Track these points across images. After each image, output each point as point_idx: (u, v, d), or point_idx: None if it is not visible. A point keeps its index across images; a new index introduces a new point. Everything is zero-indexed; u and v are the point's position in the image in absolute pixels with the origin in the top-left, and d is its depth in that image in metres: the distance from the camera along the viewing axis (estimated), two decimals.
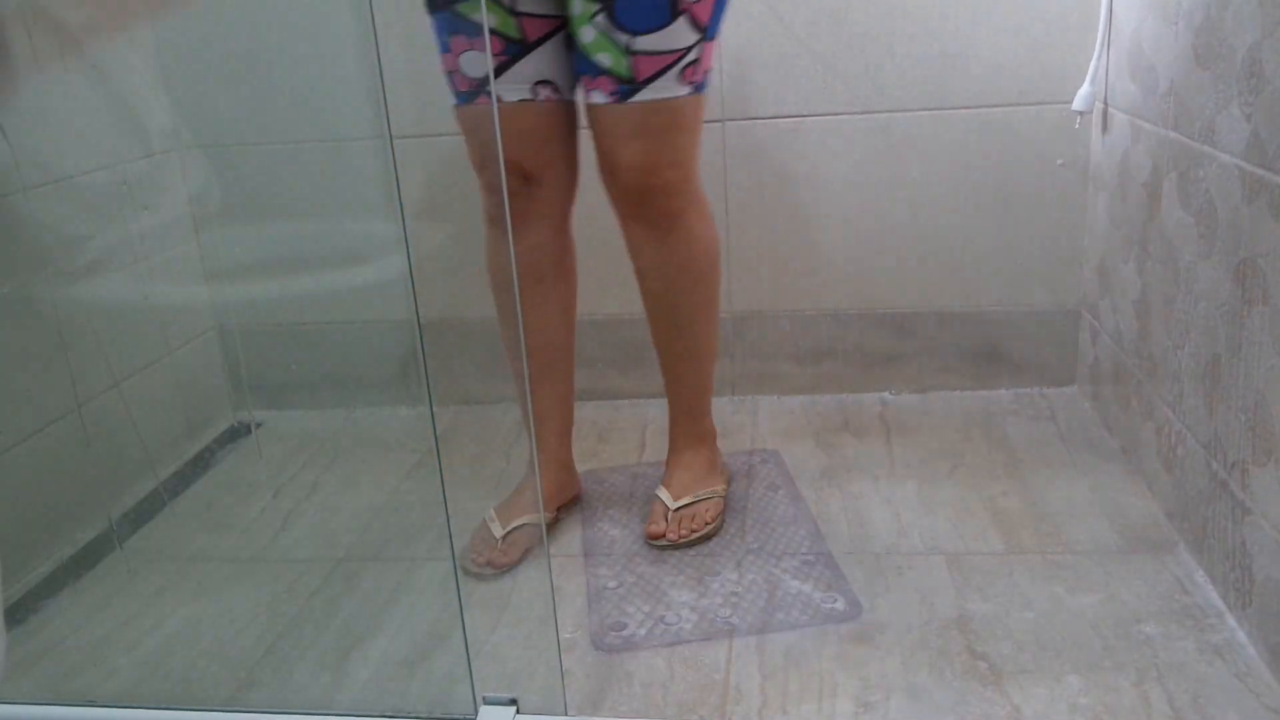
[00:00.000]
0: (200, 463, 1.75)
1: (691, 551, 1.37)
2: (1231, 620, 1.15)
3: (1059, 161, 1.68)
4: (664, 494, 1.43)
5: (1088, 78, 1.59)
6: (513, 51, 1.26)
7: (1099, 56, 1.58)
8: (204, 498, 1.64)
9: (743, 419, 1.77)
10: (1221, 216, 1.16)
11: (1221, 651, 1.11)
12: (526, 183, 1.33)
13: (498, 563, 1.33)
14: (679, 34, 1.20)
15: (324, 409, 1.92)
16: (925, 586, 1.26)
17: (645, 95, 1.21)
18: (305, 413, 1.91)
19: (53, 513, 1.48)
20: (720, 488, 1.46)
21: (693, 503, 1.41)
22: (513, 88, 1.28)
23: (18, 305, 1.43)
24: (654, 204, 1.29)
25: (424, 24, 1.30)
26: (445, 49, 1.28)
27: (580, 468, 1.54)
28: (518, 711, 1.03)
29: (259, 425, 1.88)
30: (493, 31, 1.26)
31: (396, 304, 1.80)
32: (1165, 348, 1.34)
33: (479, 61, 1.27)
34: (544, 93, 1.29)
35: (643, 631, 1.20)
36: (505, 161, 1.31)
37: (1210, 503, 1.21)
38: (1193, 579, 1.23)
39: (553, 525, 1.45)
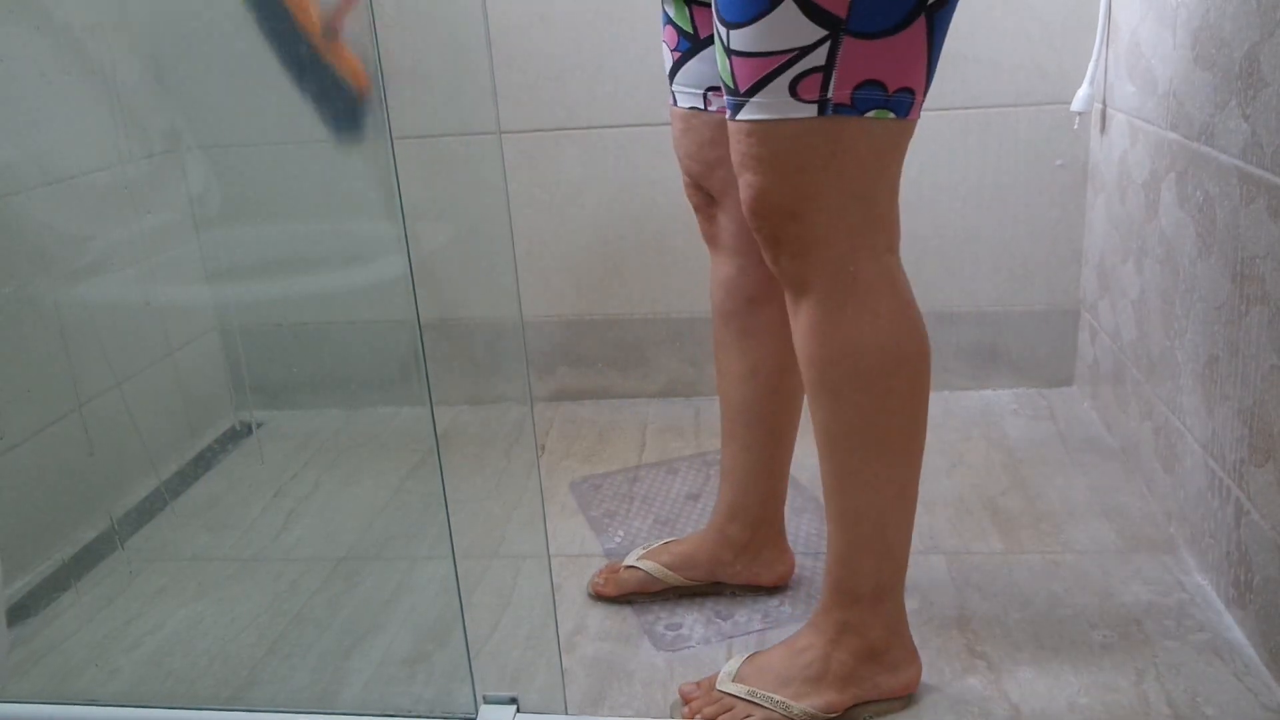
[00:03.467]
0: (201, 462, 1.75)
1: None
2: (1230, 620, 1.15)
3: (1058, 162, 1.68)
4: (733, 663, 1.07)
5: (1086, 78, 1.59)
6: (684, 47, 1.07)
7: (1098, 57, 1.59)
8: (205, 497, 1.65)
9: None
10: (1220, 217, 1.16)
11: (1220, 651, 1.11)
12: (709, 204, 1.13)
13: (597, 589, 1.28)
14: (784, 27, 0.84)
15: (325, 409, 1.92)
16: (925, 586, 1.26)
17: (749, 113, 0.89)
18: (306, 413, 1.91)
19: (54, 512, 1.48)
20: (804, 710, 1.02)
21: (746, 700, 1.03)
22: (686, 91, 1.09)
23: (19, 306, 1.44)
24: (778, 265, 0.94)
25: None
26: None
27: (580, 468, 1.54)
28: (518, 711, 1.03)
29: (260, 425, 1.88)
30: (670, 22, 1.07)
31: (397, 304, 1.80)
32: (1164, 348, 1.35)
33: (666, 56, 1.09)
34: (716, 101, 1.07)
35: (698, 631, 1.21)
36: (684, 175, 1.14)
37: (1209, 502, 1.21)
38: (1191, 579, 1.24)
39: (689, 594, 1.27)
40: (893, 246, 0.94)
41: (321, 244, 1.81)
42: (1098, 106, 1.62)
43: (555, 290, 1.83)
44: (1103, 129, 1.60)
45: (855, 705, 1.03)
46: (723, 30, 0.88)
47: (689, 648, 1.17)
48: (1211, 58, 1.18)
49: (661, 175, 1.74)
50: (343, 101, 1.58)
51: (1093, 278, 1.67)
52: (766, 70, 0.86)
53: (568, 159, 1.75)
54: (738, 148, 0.91)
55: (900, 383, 0.95)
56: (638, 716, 1.08)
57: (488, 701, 1.04)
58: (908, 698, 1.05)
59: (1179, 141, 1.28)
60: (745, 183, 0.92)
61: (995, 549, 1.33)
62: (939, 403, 1.77)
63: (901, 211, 0.94)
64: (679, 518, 1.46)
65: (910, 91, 0.88)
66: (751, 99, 0.88)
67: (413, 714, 1.07)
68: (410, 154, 1.77)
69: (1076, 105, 1.60)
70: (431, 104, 1.75)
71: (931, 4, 0.85)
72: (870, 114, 0.86)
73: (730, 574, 1.25)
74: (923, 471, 1.53)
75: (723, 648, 1.17)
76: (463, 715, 1.03)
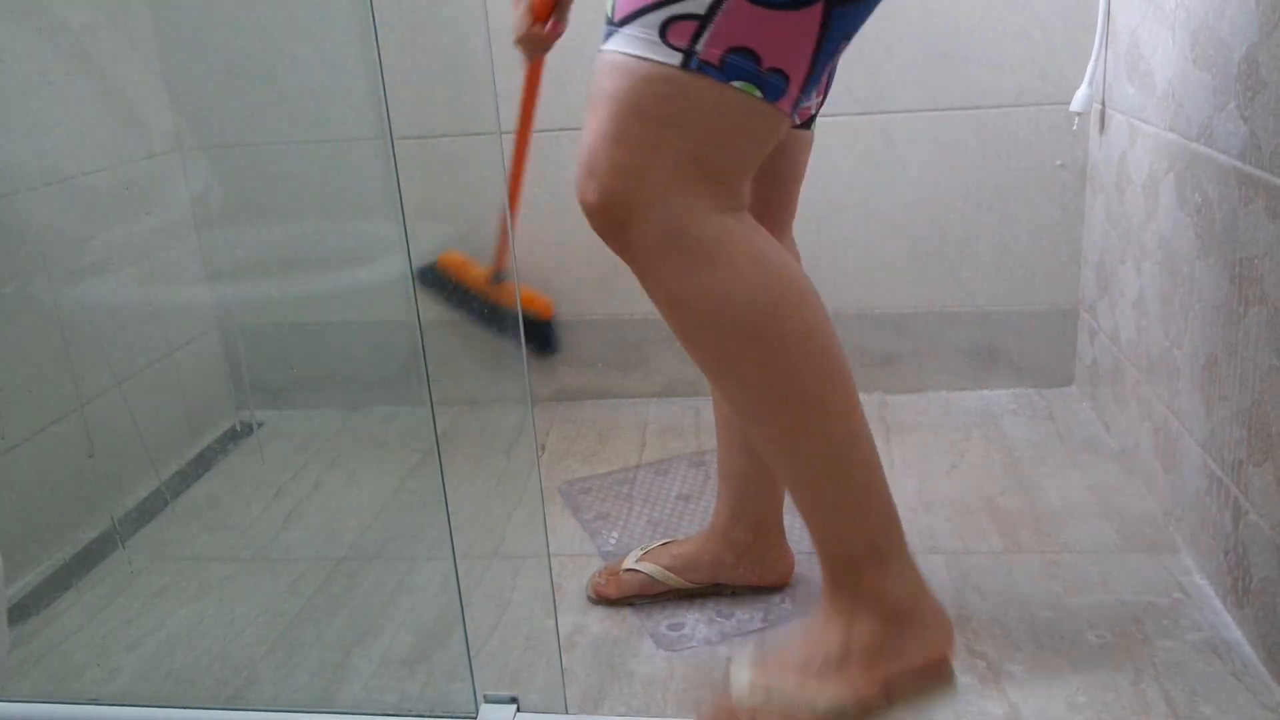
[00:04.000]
0: (202, 462, 1.75)
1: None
2: (1229, 619, 1.16)
3: (1057, 162, 1.69)
4: (743, 665, 0.92)
5: (1086, 79, 1.59)
6: None
7: (1097, 58, 1.59)
8: (206, 497, 1.65)
9: None
10: (1219, 217, 1.16)
11: (1219, 651, 1.11)
12: None
13: (598, 589, 1.27)
14: None
15: (325, 409, 1.92)
16: None
17: (615, 43, 0.81)
18: (306, 412, 1.91)
19: (55, 512, 1.48)
20: (831, 699, 0.88)
21: (763, 703, 0.90)
22: None
23: (19, 305, 1.44)
24: (621, 233, 0.84)
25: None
26: None
27: (580, 468, 1.54)
28: (518, 710, 1.03)
29: (260, 425, 1.88)
30: None
31: (397, 304, 1.80)
32: (1163, 348, 1.35)
33: None
34: None
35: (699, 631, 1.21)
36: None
37: (1208, 503, 1.21)
38: (1190, 578, 1.24)
39: (694, 596, 1.26)
40: (736, 205, 0.85)
41: (321, 244, 1.81)
42: (1097, 107, 1.62)
43: (555, 290, 1.83)
44: (1102, 129, 1.61)
45: (888, 687, 0.88)
46: None
47: (690, 647, 1.18)
48: (1210, 58, 1.18)
49: None
50: (535, 327, 1.76)
51: (1092, 278, 1.68)
52: (647, 2, 0.79)
53: (568, 159, 1.75)
54: (595, 84, 0.83)
55: (788, 320, 0.84)
56: (638, 716, 1.08)
57: (488, 701, 1.04)
58: (945, 670, 0.90)
59: (1178, 142, 1.28)
60: (588, 128, 0.83)
61: (994, 549, 1.33)
62: (939, 403, 1.78)
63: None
64: (673, 519, 1.46)
65: (783, 75, 0.80)
66: (624, 29, 0.80)
67: (413, 714, 1.07)
68: (410, 154, 1.78)
69: (1076, 106, 1.60)
70: (432, 104, 1.75)
71: None
72: (736, 83, 0.79)
73: (733, 576, 1.24)
74: (923, 471, 1.54)
75: (724, 646, 1.17)
76: (463, 715, 1.04)
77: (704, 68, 0.78)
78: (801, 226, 1.77)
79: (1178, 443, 1.31)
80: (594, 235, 0.84)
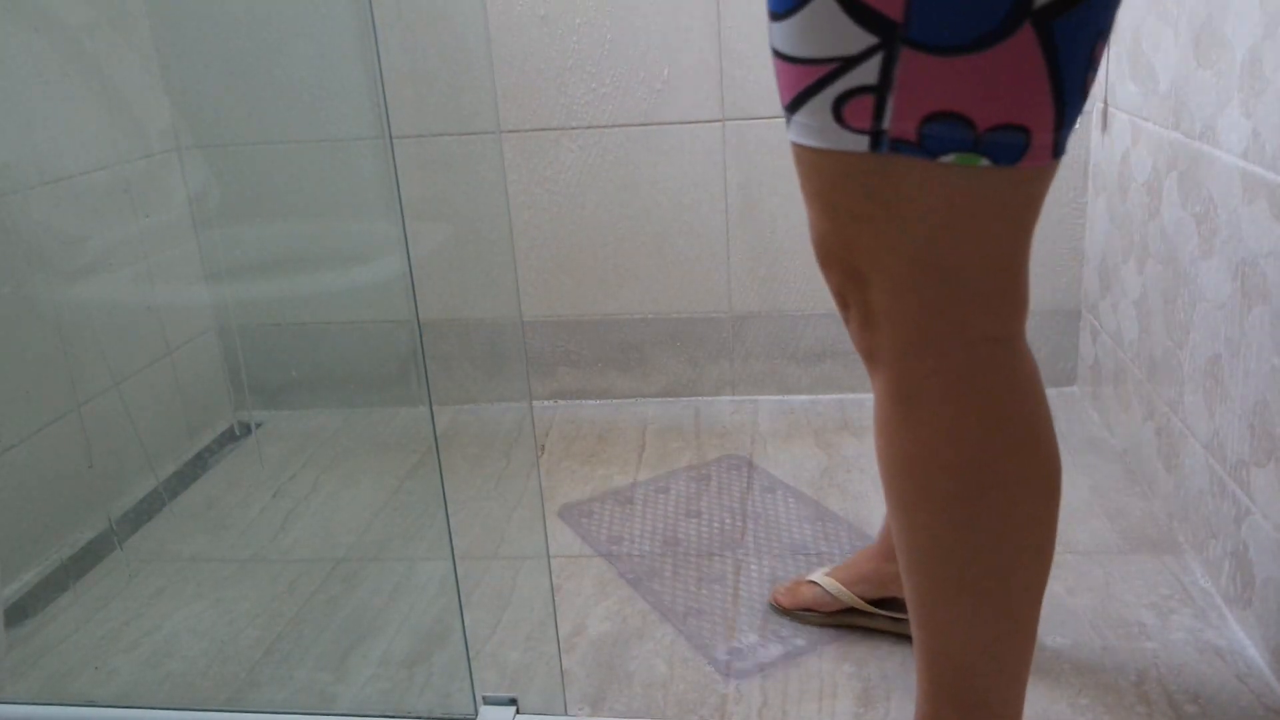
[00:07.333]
0: (200, 463, 1.75)
1: (691, 554, 1.37)
2: (1232, 620, 1.15)
3: None
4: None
5: None
6: None
7: None
8: (204, 498, 1.64)
9: (742, 419, 1.76)
10: (1222, 216, 1.16)
11: (1222, 652, 1.11)
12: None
13: (775, 596, 1.24)
14: (822, 25, 0.63)
15: (324, 409, 1.91)
16: None
17: (794, 133, 0.69)
18: (305, 413, 1.91)
19: (53, 513, 1.48)
20: None
21: None
22: None
23: (17, 306, 1.43)
24: (849, 328, 0.75)
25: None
26: None
27: (580, 468, 1.53)
28: (518, 712, 1.03)
29: (259, 425, 1.88)
30: None
31: (396, 304, 1.80)
32: (1166, 348, 1.34)
33: None
34: None
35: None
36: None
37: (1211, 503, 1.21)
38: (1193, 579, 1.23)
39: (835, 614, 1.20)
40: (997, 333, 0.69)
41: (320, 244, 1.80)
42: (1099, 105, 1.62)
43: (555, 290, 1.82)
44: (1104, 128, 1.60)
45: None
46: (770, 25, 0.69)
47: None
48: (1213, 56, 1.17)
49: (661, 175, 1.74)
50: None
51: (1094, 277, 1.67)
52: (808, 82, 0.65)
53: (568, 159, 1.75)
54: (798, 171, 0.72)
55: (990, 509, 0.71)
56: (638, 717, 1.07)
57: (487, 702, 1.03)
58: None
59: (1181, 141, 1.28)
60: (809, 220, 0.73)
61: None
62: None
63: None
64: (690, 538, 1.46)
65: (1019, 130, 0.63)
66: (795, 116, 0.68)
67: (412, 715, 1.07)
68: (410, 154, 1.77)
69: None
70: (431, 104, 1.75)
71: (1041, 8, 0.60)
72: (948, 157, 0.63)
73: (901, 588, 1.09)
74: None
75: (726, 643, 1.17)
76: (462, 716, 1.03)
77: (899, 147, 0.63)
78: (802, 226, 1.77)
79: (1180, 443, 1.30)
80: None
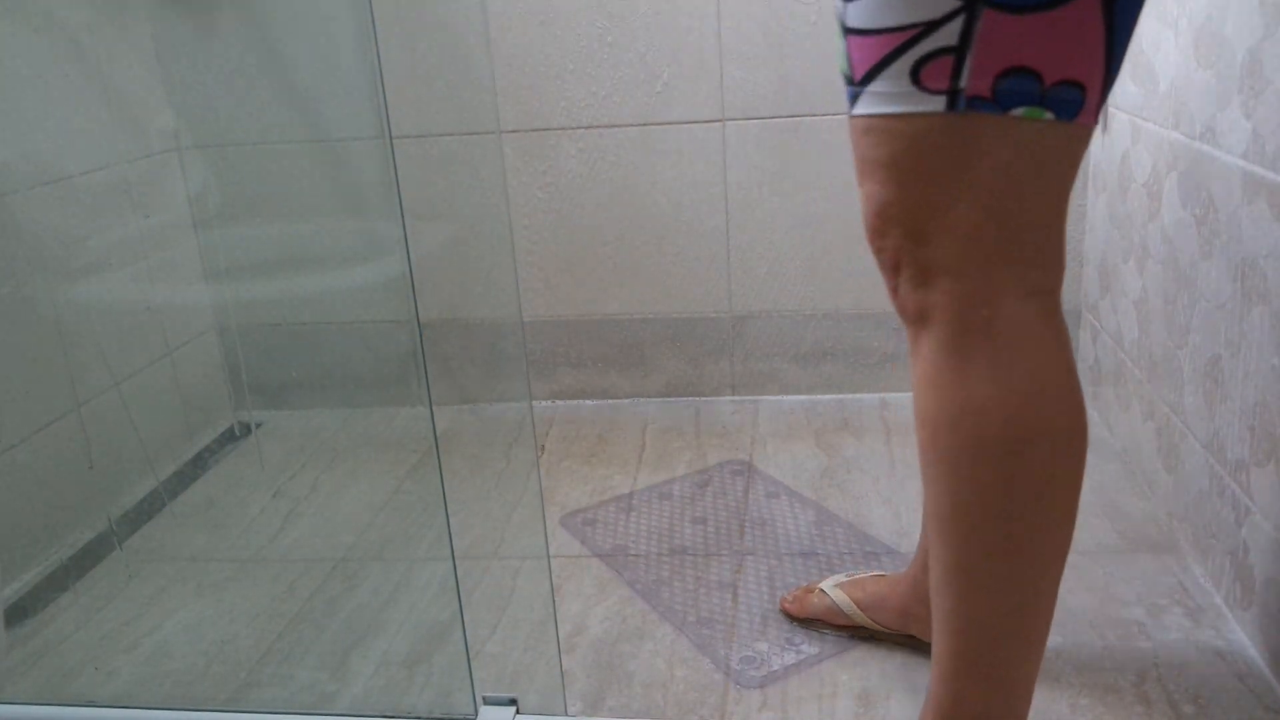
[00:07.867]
0: (200, 463, 1.75)
1: (691, 554, 1.37)
2: (1232, 621, 1.15)
3: None
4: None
5: None
6: None
7: None
8: (204, 498, 1.64)
9: (742, 419, 1.76)
10: (1222, 216, 1.16)
11: (1222, 652, 1.11)
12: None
13: (784, 603, 1.22)
14: None
15: (324, 409, 1.91)
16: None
17: (865, 105, 0.73)
18: (305, 413, 1.91)
19: (52, 513, 1.48)
20: None
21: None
22: None
23: (16, 306, 1.43)
24: (896, 295, 0.78)
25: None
26: None
27: (580, 468, 1.53)
28: (518, 712, 1.03)
29: (259, 425, 1.88)
30: None
31: (396, 304, 1.80)
32: (1166, 347, 1.34)
33: None
34: None
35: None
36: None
37: (1211, 503, 1.21)
38: (1193, 579, 1.23)
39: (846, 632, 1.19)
40: (1046, 286, 0.74)
41: (321, 244, 1.80)
42: None
43: (555, 290, 1.82)
44: (1104, 128, 1.60)
45: None
46: (841, 7, 0.72)
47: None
48: (1213, 57, 1.17)
49: (661, 175, 1.74)
50: None
51: (1094, 278, 1.67)
52: (886, 50, 0.69)
53: (568, 159, 1.75)
54: (856, 150, 0.76)
55: (1035, 461, 0.74)
56: (637, 717, 1.07)
57: (487, 703, 1.03)
58: None
59: (1181, 141, 1.28)
60: (864, 194, 0.76)
61: None
62: None
63: None
64: (696, 545, 1.46)
65: (1077, 86, 0.68)
66: (868, 87, 0.71)
67: (412, 715, 1.07)
68: (410, 154, 1.77)
69: None
70: (431, 104, 1.75)
71: None
72: (1017, 111, 0.68)
73: (924, 630, 1.10)
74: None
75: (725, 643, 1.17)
76: (462, 716, 1.03)
77: (975, 104, 0.68)
78: (802, 226, 1.77)
79: (1180, 443, 1.30)
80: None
